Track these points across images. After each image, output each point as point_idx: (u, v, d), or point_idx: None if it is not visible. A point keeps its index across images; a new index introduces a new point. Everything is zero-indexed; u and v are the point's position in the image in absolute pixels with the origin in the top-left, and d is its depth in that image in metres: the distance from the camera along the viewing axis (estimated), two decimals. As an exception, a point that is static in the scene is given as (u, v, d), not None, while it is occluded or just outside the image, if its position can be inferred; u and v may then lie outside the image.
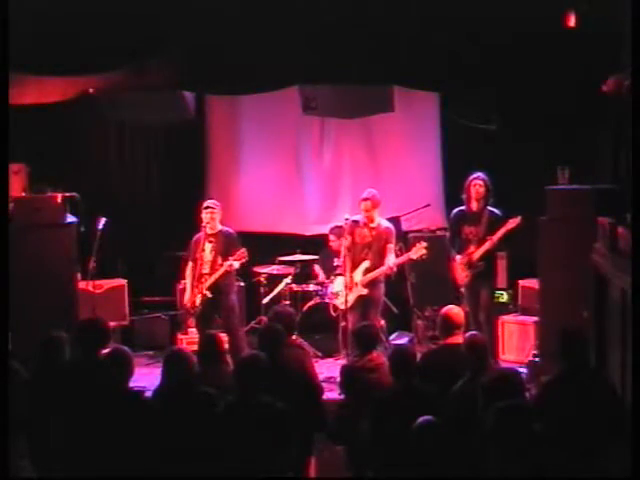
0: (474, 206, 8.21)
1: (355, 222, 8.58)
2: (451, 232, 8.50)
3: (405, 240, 9.43)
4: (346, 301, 8.35)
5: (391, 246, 8.53)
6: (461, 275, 8.25)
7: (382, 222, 8.57)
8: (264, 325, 6.37)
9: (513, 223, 7.96)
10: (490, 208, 8.20)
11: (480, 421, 4.51)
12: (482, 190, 8.17)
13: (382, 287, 8.61)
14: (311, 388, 5.89)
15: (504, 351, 8.80)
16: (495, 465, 4.23)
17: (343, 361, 8.16)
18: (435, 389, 5.42)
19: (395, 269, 8.68)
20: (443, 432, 4.63)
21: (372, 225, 8.52)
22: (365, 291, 8.47)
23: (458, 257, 8.25)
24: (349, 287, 8.44)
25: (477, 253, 8.13)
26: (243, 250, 8.29)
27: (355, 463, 5.79)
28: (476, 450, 4.62)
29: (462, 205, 8.37)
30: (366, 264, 8.44)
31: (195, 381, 5.27)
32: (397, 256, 8.66)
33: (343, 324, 8.48)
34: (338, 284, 8.80)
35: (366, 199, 8.48)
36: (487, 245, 8.08)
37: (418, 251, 8.42)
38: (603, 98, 7.42)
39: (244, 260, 8.36)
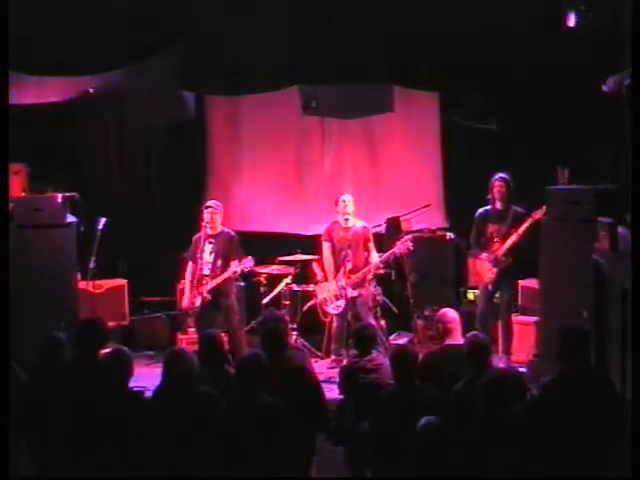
0: (499, 205, 8.41)
1: (332, 225, 8.77)
2: (475, 231, 8.59)
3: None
4: (338, 307, 8.60)
5: (371, 244, 8.71)
6: (487, 273, 8.38)
7: (357, 222, 8.71)
8: (264, 327, 6.36)
9: (539, 213, 8.05)
10: (515, 207, 8.37)
11: (481, 421, 4.51)
12: (504, 190, 8.36)
13: (369, 286, 8.76)
14: (311, 388, 5.88)
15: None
16: (495, 465, 4.23)
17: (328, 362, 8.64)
18: (435, 389, 5.42)
19: (382, 266, 8.82)
20: (446, 433, 4.63)
21: (347, 226, 8.64)
22: (355, 292, 8.58)
23: (484, 255, 8.38)
24: (338, 293, 8.58)
25: (502, 249, 8.27)
26: (249, 258, 8.30)
27: (355, 463, 5.78)
28: (476, 450, 4.62)
29: (472, 205, 8.61)
30: (348, 266, 8.51)
31: (195, 381, 5.26)
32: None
33: (334, 325, 8.71)
34: (324, 290, 8.83)
35: (347, 200, 8.61)
36: (513, 238, 8.21)
37: (402, 246, 8.50)
38: (603, 98, 7.42)
39: (249, 269, 8.41)
